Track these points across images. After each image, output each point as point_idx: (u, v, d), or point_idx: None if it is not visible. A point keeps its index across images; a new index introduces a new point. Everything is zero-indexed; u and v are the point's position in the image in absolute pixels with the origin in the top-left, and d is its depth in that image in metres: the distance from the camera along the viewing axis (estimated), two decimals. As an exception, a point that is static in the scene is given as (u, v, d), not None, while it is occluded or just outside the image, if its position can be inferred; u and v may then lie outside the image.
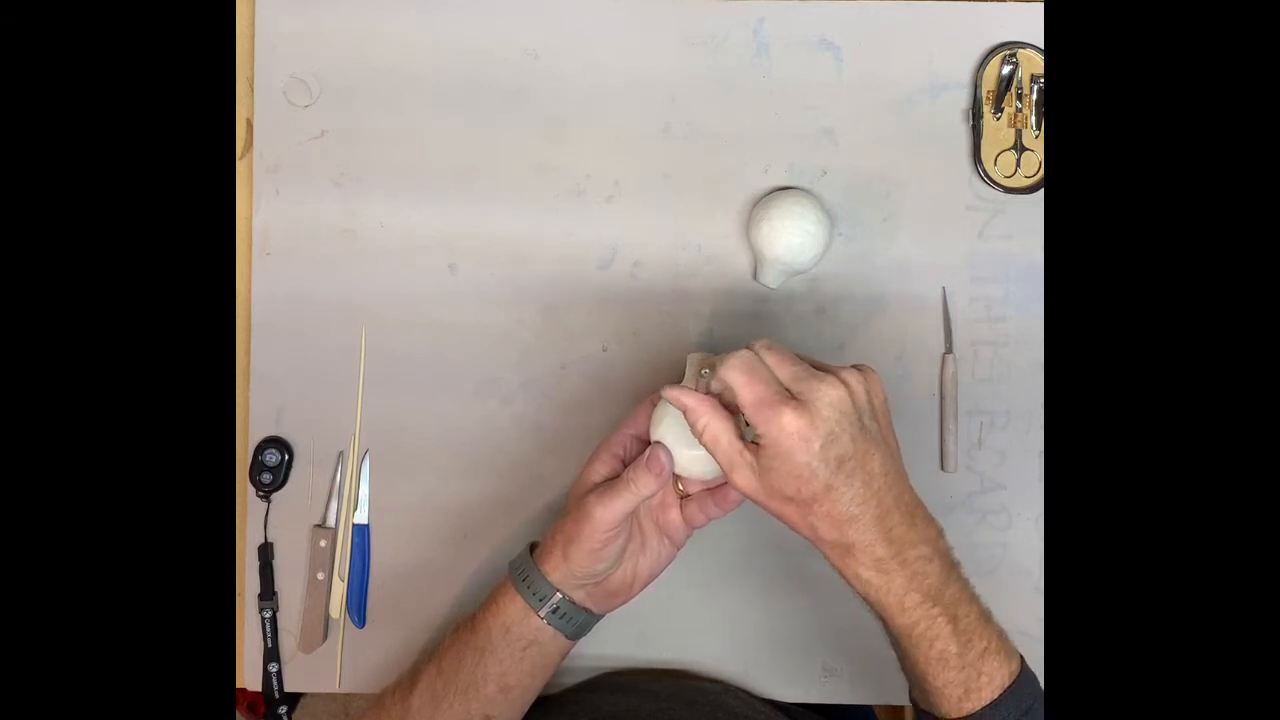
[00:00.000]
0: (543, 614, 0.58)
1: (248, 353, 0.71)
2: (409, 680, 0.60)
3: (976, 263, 0.71)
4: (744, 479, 0.51)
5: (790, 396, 0.50)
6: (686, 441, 0.56)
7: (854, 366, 0.53)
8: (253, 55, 0.71)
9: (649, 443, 0.58)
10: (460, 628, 0.61)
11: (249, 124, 0.72)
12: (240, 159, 0.72)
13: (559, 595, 0.58)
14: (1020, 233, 0.71)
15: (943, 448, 0.70)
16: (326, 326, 0.71)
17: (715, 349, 0.71)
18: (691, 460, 0.57)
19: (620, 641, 0.70)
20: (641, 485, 0.56)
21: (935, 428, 0.70)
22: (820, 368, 0.52)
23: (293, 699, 0.72)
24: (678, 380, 0.60)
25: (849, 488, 0.49)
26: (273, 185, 0.71)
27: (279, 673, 0.71)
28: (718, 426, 0.51)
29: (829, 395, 0.49)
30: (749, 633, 0.70)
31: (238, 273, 0.71)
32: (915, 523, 0.51)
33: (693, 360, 0.59)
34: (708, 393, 0.53)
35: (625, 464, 0.59)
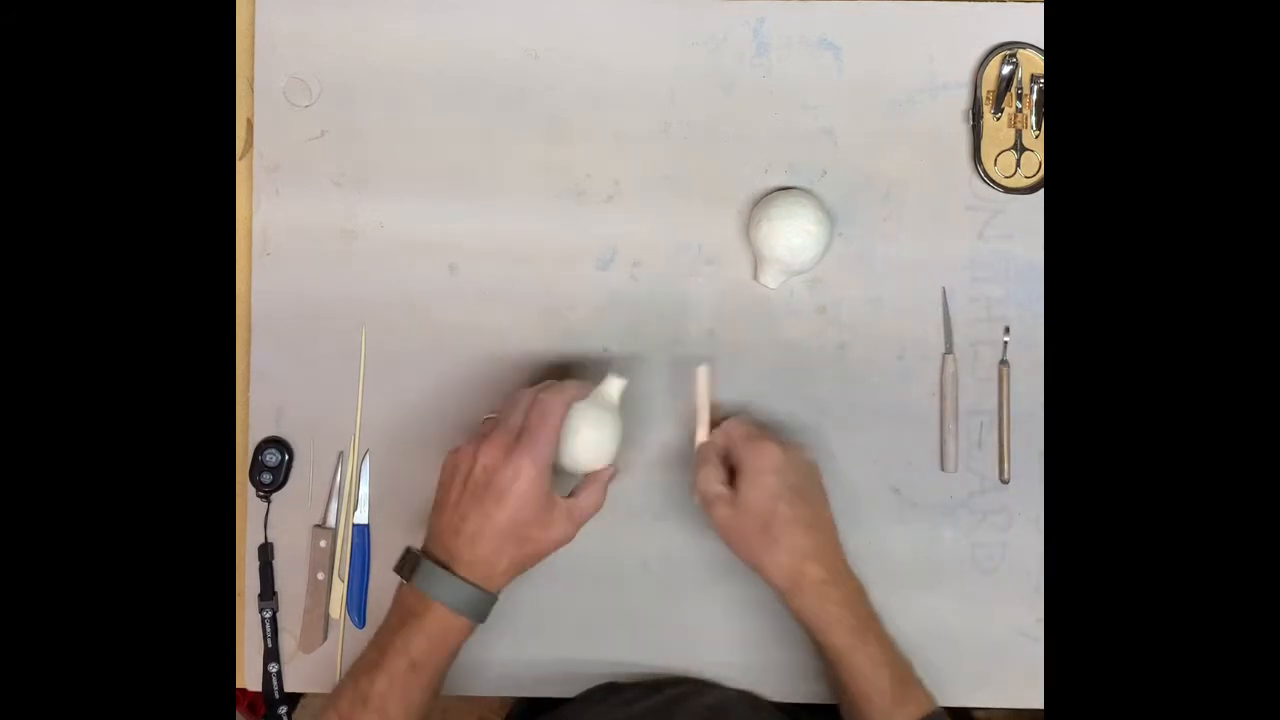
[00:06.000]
0: (483, 622, 0.59)
1: (248, 353, 0.71)
2: None
3: (976, 263, 0.71)
4: (716, 518, 0.61)
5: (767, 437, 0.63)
6: (587, 445, 0.62)
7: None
8: (253, 55, 0.71)
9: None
10: (395, 685, 0.56)
11: (249, 124, 0.72)
12: (240, 159, 0.72)
13: (485, 593, 0.58)
14: (1020, 233, 0.70)
15: (943, 448, 0.70)
16: (326, 326, 0.71)
17: (715, 349, 0.71)
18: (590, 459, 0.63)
19: (619, 645, 0.70)
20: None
21: (935, 428, 0.70)
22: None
23: (293, 699, 0.72)
24: (615, 379, 0.65)
25: (800, 517, 0.60)
26: (273, 185, 0.71)
27: (279, 673, 0.71)
28: (708, 474, 0.62)
29: (783, 445, 0.62)
30: (749, 633, 0.70)
31: (238, 273, 0.71)
32: (847, 571, 0.62)
33: (701, 373, 0.66)
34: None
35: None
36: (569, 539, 0.60)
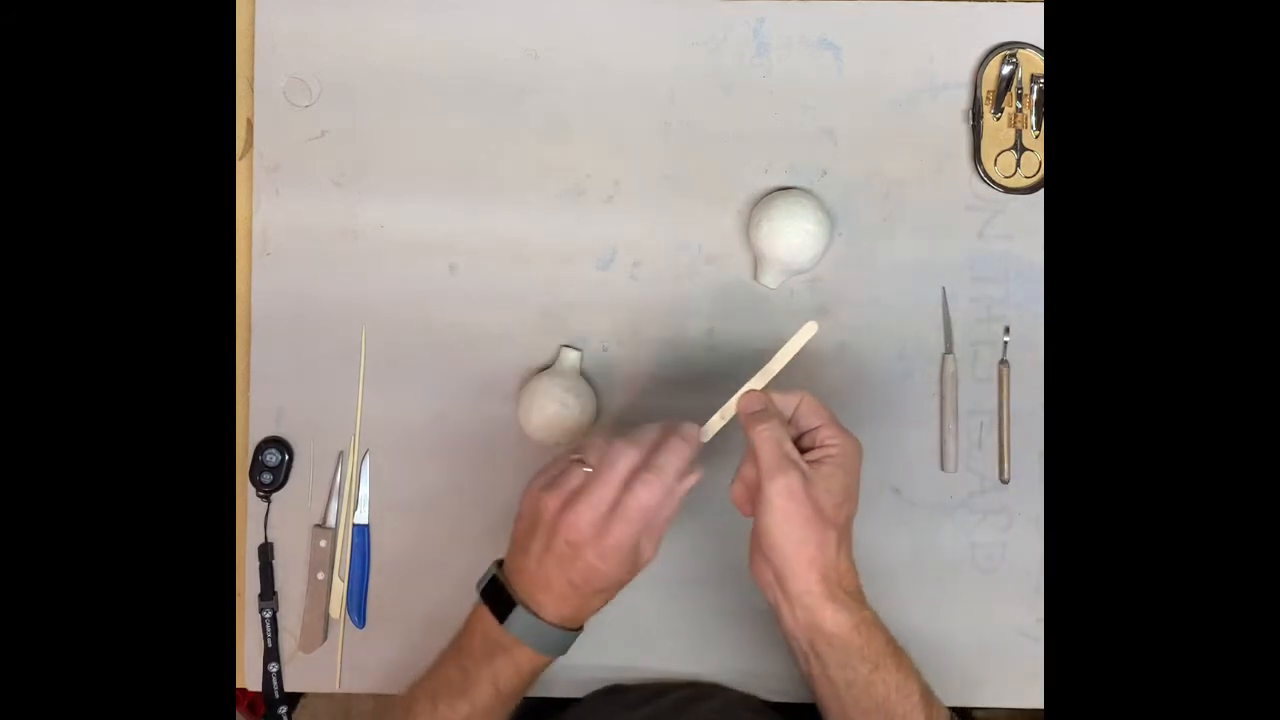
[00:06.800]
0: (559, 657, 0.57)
1: (248, 353, 0.71)
2: None
3: (976, 263, 0.71)
4: (789, 481, 0.53)
5: None
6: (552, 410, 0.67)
7: None
8: (253, 55, 0.71)
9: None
10: (477, 712, 0.56)
11: (249, 124, 0.72)
12: (240, 159, 0.72)
13: (572, 632, 0.57)
14: (1020, 233, 0.70)
15: (943, 448, 0.70)
16: (326, 326, 0.71)
17: (715, 349, 0.71)
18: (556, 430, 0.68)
19: (619, 646, 0.70)
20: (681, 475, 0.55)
21: (935, 428, 0.70)
22: None
23: (293, 699, 0.72)
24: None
25: (851, 527, 0.56)
26: (273, 185, 0.71)
27: (279, 673, 0.71)
28: (780, 432, 0.55)
29: None
30: (749, 634, 0.70)
31: (238, 273, 0.71)
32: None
33: (809, 328, 0.60)
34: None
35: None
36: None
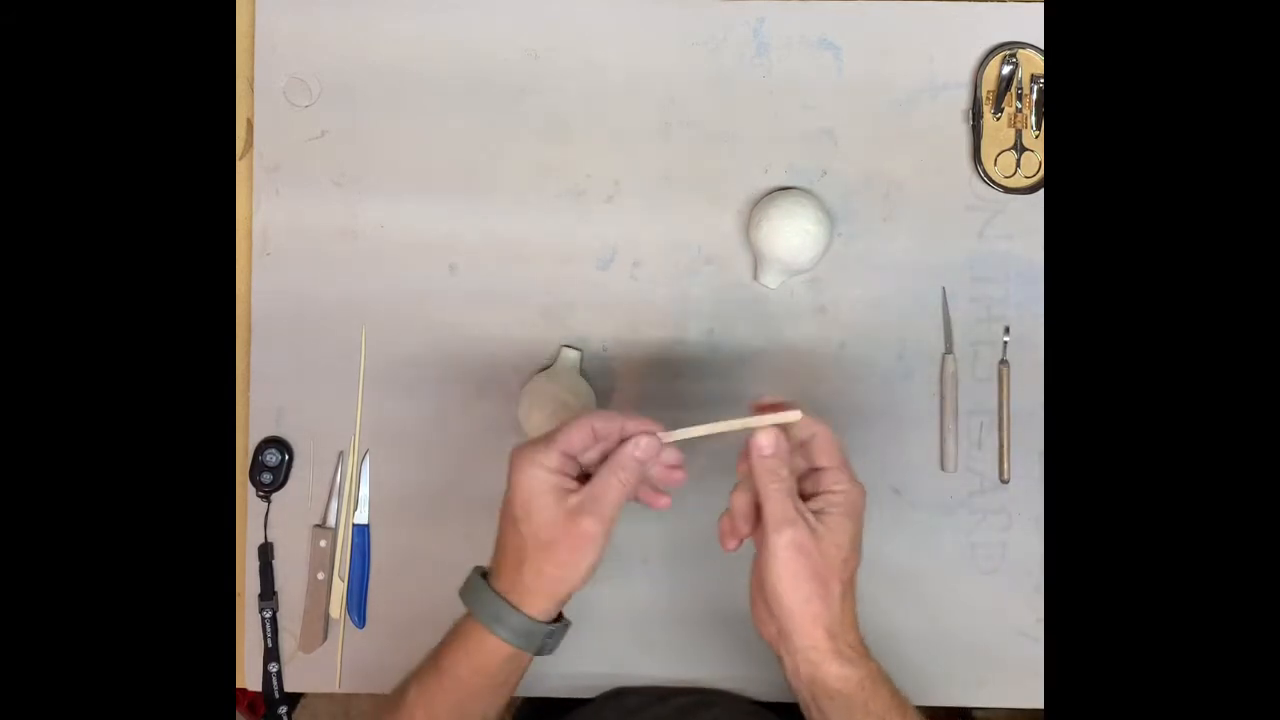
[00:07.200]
0: (532, 650, 0.55)
1: (248, 353, 0.71)
2: None
3: (976, 263, 0.71)
4: (796, 535, 0.51)
5: None
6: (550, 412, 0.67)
7: None
8: (253, 55, 0.71)
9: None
10: (423, 690, 0.56)
11: (249, 124, 0.72)
12: (240, 159, 0.72)
13: (549, 626, 0.55)
14: (1020, 233, 0.71)
15: (943, 448, 0.70)
16: (326, 326, 0.71)
17: (715, 349, 0.71)
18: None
19: (624, 650, 0.70)
20: (629, 474, 0.54)
21: (935, 428, 0.70)
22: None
23: (293, 699, 0.72)
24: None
25: (855, 578, 0.54)
26: (273, 185, 0.71)
27: (279, 673, 0.71)
28: (791, 483, 0.53)
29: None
30: (750, 636, 0.70)
31: (238, 273, 0.71)
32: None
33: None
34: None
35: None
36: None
